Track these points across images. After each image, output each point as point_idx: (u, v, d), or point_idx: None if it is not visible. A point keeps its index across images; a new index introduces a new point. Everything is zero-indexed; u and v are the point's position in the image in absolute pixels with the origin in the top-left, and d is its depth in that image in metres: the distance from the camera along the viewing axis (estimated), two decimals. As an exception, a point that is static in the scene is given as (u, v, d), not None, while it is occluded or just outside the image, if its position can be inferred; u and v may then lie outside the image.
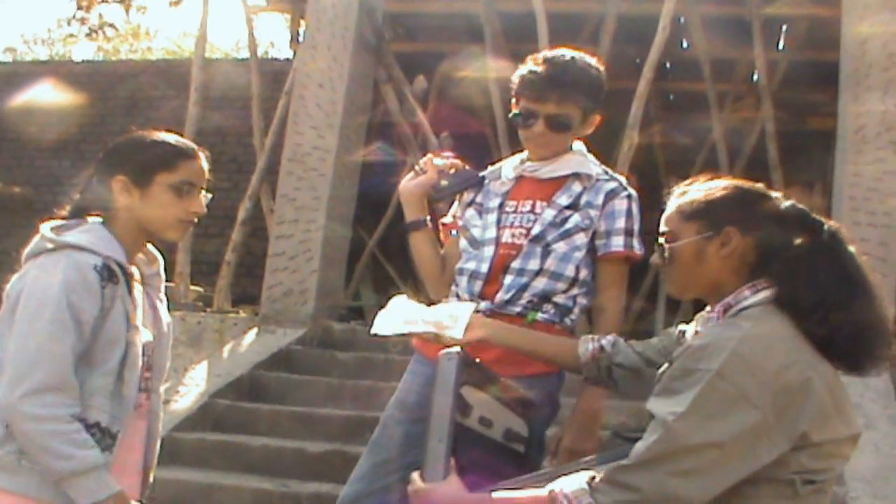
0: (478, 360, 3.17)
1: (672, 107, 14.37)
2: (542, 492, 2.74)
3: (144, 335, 3.34)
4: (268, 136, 12.12)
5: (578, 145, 4.42)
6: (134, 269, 3.41)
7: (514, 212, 4.33)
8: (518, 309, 4.19)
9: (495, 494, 2.83)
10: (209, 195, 3.48)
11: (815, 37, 12.03)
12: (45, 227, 3.30)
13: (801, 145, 12.49)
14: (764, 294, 2.84)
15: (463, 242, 4.41)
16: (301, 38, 12.19)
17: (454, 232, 4.54)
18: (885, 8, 9.35)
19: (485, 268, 4.26)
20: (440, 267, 4.51)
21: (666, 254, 3.00)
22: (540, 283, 4.20)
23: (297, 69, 11.59)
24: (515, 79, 4.32)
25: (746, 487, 2.67)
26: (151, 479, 3.54)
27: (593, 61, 4.34)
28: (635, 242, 4.29)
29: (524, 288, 4.20)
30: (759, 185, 3.06)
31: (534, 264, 4.21)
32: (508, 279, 4.22)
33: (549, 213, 4.25)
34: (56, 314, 3.09)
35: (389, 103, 11.85)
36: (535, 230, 4.23)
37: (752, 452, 2.62)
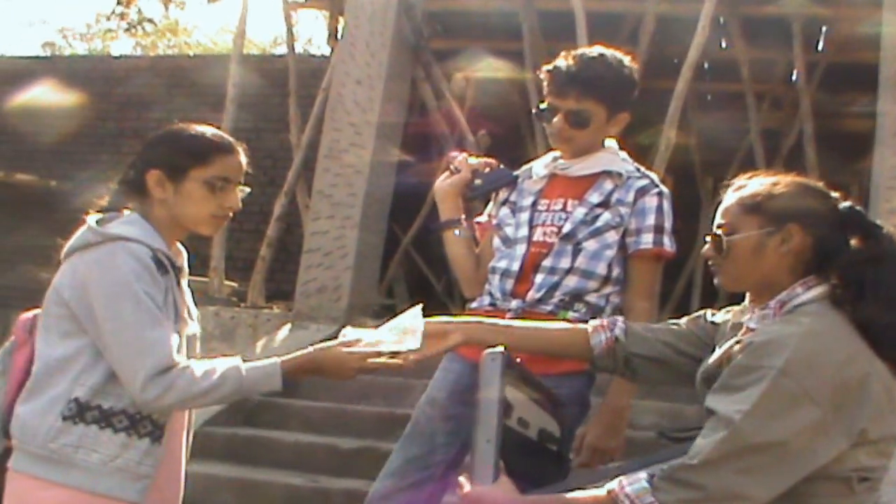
0: (518, 359, 3.15)
1: (709, 107, 14.29)
2: (600, 491, 2.71)
3: (191, 327, 3.37)
4: (304, 132, 12.14)
5: (611, 143, 4.41)
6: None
7: (546, 210, 4.32)
8: (549, 307, 4.17)
9: (551, 496, 2.81)
10: (246, 190, 3.46)
11: (855, 38, 11.94)
12: (91, 220, 3.29)
13: (839, 147, 12.40)
14: (817, 291, 2.84)
15: (496, 241, 4.41)
16: (339, 35, 12.18)
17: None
18: (928, 10, 9.28)
19: (516, 266, 4.25)
20: (474, 265, 4.51)
21: (723, 246, 2.96)
22: (571, 282, 4.18)
23: (334, 66, 11.59)
24: (543, 75, 4.32)
25: (802, 485, 2.66)
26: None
27: (625, 60, 4.34)
28: (666, 240, 4.27)
29: (555, 286, 4.19)
30: (821, 185, 3.04)
31: (565, 262, 4.20)
32: (539, 278, 4.21)
33: (580, 212, 4.24)
34: (138, 303, 3.10)
35: (427, 101, 11.85)
36: (566, 228, 4.22)
37: (813, 450, 2.61)
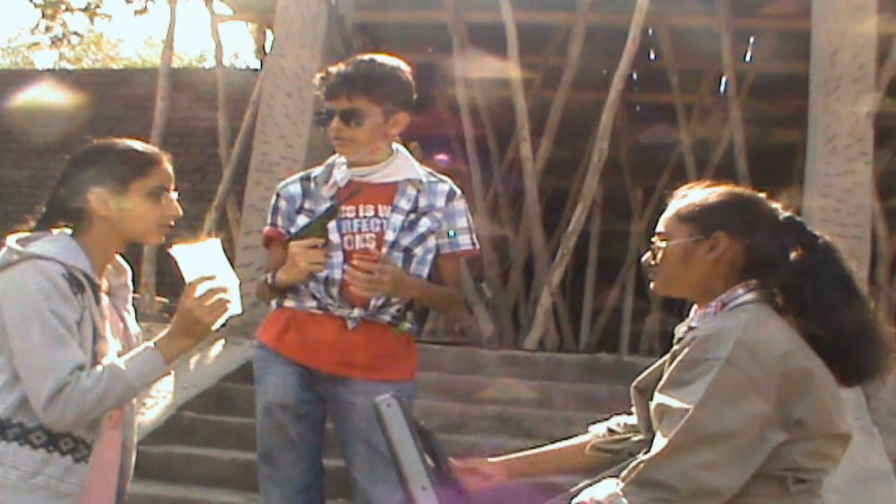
0: (401, 398, 3.15)
1: (639, 118, 14.38)
2: None
3: (112, 346, 3.31)
4: (234, 146, 12.06)
5: (401, 149, 4.59)
6: (102, 281, 3.40)
7: (356, 217, 4.45)
8: (388, 318, 4.42)
9: None
10: (176, 195, 3.49)
11: (784, 48, 12.06)
12: (11, 240, 3.28)
13: (769, 156, 12.51)
14: (757, 293, 2.87)
15: None
16: (268, 48, 12.12)
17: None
18: (855, 19, 9.37)
19: (338, 274, 4.37)
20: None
21: (658, 253, 3.03)
22: None
23: (264, 78, 11.53)
24: (317, 83, 4.50)
25: None
26: (128, 489, 3.53)
27: (400, 64, 4.53)
28: (475, 240, 4.58)
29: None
30: (759, 194, 3.09)
31: None
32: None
33: (397, 219, 4.44)
34: (43, 324, 3.09)
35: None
36: (389, 236, 4.42)
37: (762, 439, 2.62)
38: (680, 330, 3.09)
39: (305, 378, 4.48)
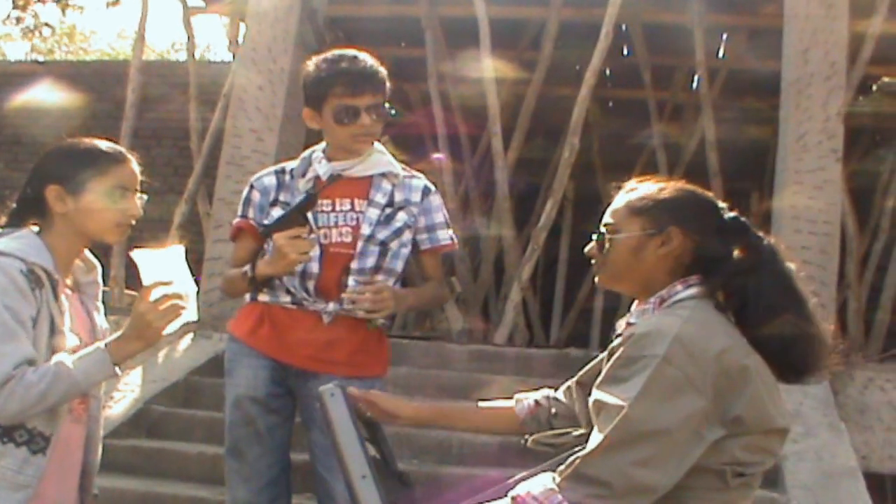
0: (345, 387, 3.16)
1: (611, 114, 14.39)
2: (504, 501, 2.71)
3: (70, 341, 3.33)
4: (205, 139, 12.01)
5: (377, 144, 4.61)
6: (68, 277, 3.45)
7: (333, 210, 4.47)
8: (361, 313, 4.34)
9: None
10: (145, 197, 3.50)
11: (756, 45, 12.09)
12: None
13: (741, 153, 12.54)
14: (696, 289, 2.91)
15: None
16: (240, 41, 12.07)
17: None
18: (828, 17, 9.39)
19: (315, 267, 4.40)
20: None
21: (606, 245, 3.03)
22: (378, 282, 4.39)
23: (236, 71, 11.48)
24: (316, 83, 4.42)
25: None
26: (95, 482, 3.56)
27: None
28: (453, 234, 4.65)
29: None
30: (709, 193, 3.12)
31: (370, 262, 4.41)
32: (352, 281, 4.39)
33: (374, 213, 4.46)
34: None
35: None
36: (365, 230, 4.43)
37: (698, 436, 2.64)
38: (620, 325, 3.11)
39: (277, 372, 4.49)
